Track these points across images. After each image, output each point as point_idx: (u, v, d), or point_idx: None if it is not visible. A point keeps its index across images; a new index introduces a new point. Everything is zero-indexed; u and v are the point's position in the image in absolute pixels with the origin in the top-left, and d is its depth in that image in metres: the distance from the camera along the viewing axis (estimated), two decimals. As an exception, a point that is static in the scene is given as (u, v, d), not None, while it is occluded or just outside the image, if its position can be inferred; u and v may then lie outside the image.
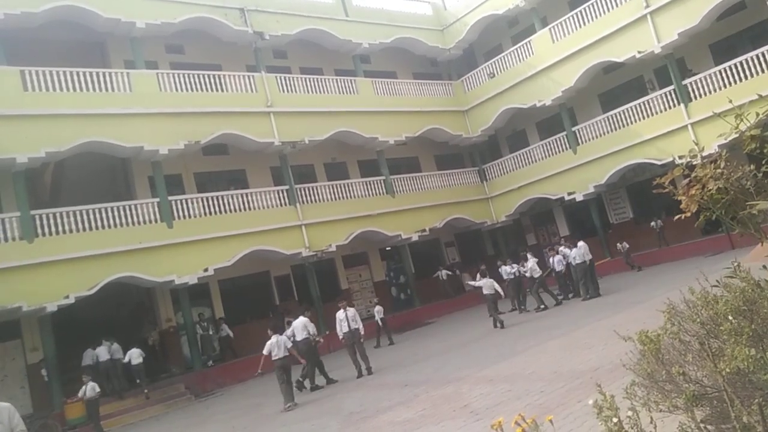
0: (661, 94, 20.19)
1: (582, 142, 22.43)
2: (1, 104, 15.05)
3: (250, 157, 20.64)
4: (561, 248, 17.94)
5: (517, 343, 11.94)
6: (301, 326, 12.93)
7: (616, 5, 20.50)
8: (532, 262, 17.36)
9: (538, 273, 17.17)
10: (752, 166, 3.55)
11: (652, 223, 21.66)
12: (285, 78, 20.84)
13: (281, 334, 12.23)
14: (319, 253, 19.99)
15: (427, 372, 11.16)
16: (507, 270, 17.95)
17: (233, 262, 18.00)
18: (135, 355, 15.78)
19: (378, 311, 18.08)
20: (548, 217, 26.57)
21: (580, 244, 17.05)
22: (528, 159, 24.36)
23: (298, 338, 12.73)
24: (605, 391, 2.90)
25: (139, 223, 16.51)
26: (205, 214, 17.86)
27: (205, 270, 17.36)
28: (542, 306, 16.46)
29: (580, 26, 21.60)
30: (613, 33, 20.57)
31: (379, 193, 22.37)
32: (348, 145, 22.93)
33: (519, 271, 17.60)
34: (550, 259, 18.26)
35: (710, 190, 3.50)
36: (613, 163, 21.29)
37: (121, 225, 16.19)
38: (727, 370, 2.91)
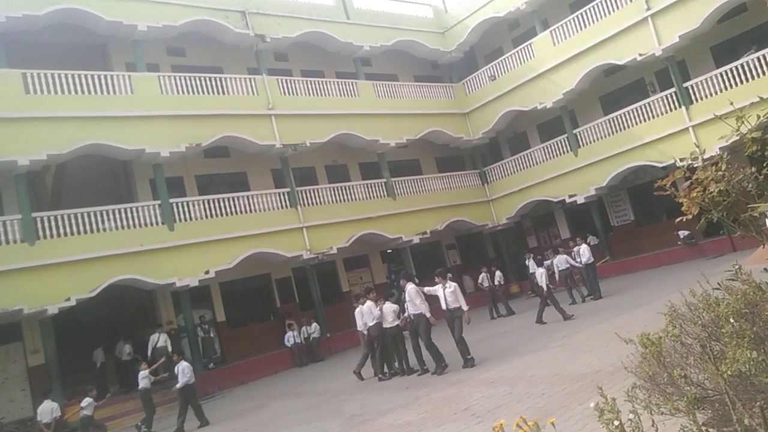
0: (662, 97, 20.19)
1: (583, 145, 22.42)
2: (3, 107, 15.08)
3: (251, 159, 20.65)
4: (557, 255, 17.99)
5: (518, 345, 11.94)
6: (389, 310, 11.97)
7: (617, 8, 20.50)
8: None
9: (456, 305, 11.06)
10: (753, 168, 3.55)
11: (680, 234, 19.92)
12: (286, 80, 20.85)
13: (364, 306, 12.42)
14: (320, 255, 19.98)
15: (427, 374, 11.15)
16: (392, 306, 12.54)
17: (234, 265, 17.99)
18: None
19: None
20: (549, 220, 26.54)
21: (575, 248, 17.07)
22: (529, 161, 24.34)
23: (386, 324, 11.72)
24: (606, 393, 2.89)
25: (140, 225, 16.51)
26: (206, 216, 17.86)
27: (206, 272, 17.36)
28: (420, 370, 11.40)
29: (581, 29, 21.59)
30: (614, 35, 20.57)
31: (380, 196, 22.36)
32: (349, 148, 22.93)
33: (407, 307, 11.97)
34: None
35: (711, 192, 3.50)
36: (614, 165, 21.27)
37: (123, 227, 16.20)
38: (729, 372, 2.90)
